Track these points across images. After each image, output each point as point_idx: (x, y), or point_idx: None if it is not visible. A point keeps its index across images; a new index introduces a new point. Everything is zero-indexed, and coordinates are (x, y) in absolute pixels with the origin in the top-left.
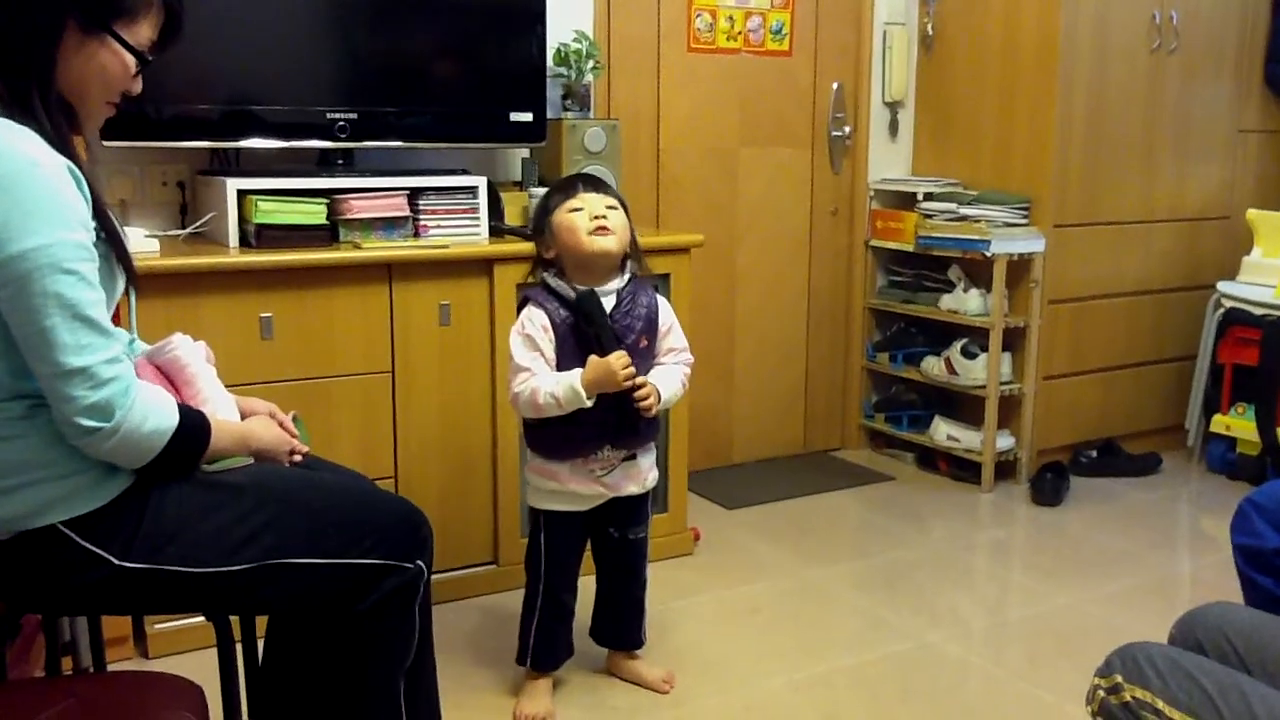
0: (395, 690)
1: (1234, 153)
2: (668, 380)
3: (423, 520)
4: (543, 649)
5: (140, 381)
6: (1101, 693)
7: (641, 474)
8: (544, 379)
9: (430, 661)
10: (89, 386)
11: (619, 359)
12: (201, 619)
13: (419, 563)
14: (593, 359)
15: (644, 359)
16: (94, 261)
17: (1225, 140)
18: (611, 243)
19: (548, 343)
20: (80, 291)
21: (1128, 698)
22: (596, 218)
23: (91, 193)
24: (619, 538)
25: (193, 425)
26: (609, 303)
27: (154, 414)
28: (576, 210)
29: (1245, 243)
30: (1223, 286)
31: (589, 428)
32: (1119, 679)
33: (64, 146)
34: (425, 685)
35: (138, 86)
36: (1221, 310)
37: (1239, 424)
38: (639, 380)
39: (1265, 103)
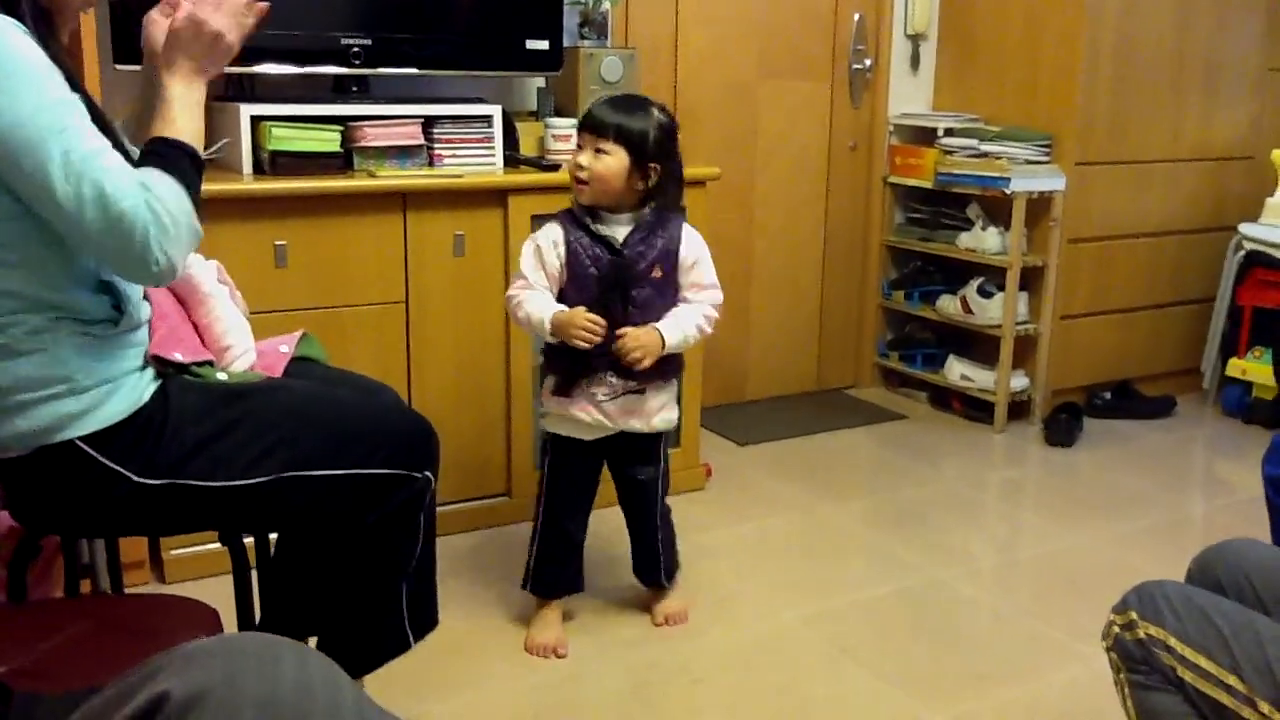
0: (397, 592)
1: (1263, 91)
2: (681, 323)
3: (431, 432)
4: (542, 574)
5: (138, 184)
6: (1116, 628)
7: (648, 412)
8: (533, 297)
9: (431, 566)
10: (118, 229)
11: (583, 316)
12: (216, 545)
13: (426, 473)
14: (570, 308)
15: (659, 290)
16: (86, 115)
17: (1254, 79)
18: (585, 195)
19: (555, 258)
20: (84, 142)
21: (1142, 634)
22: (578, 166)
23: (96, 110)
24: (628, 477)
25: (186, 166)
26: (623, 231)
27: (167, 211)
28: (576, 150)
29: (1270, 184)
30: (1244, 228)
31: (595, 350)
32: (1134, 615)
33: (50, 51)
34: (425, 588)
35: None
36: (1243, 252)
37: (1255, 368)
38: (621, 333)
39: None
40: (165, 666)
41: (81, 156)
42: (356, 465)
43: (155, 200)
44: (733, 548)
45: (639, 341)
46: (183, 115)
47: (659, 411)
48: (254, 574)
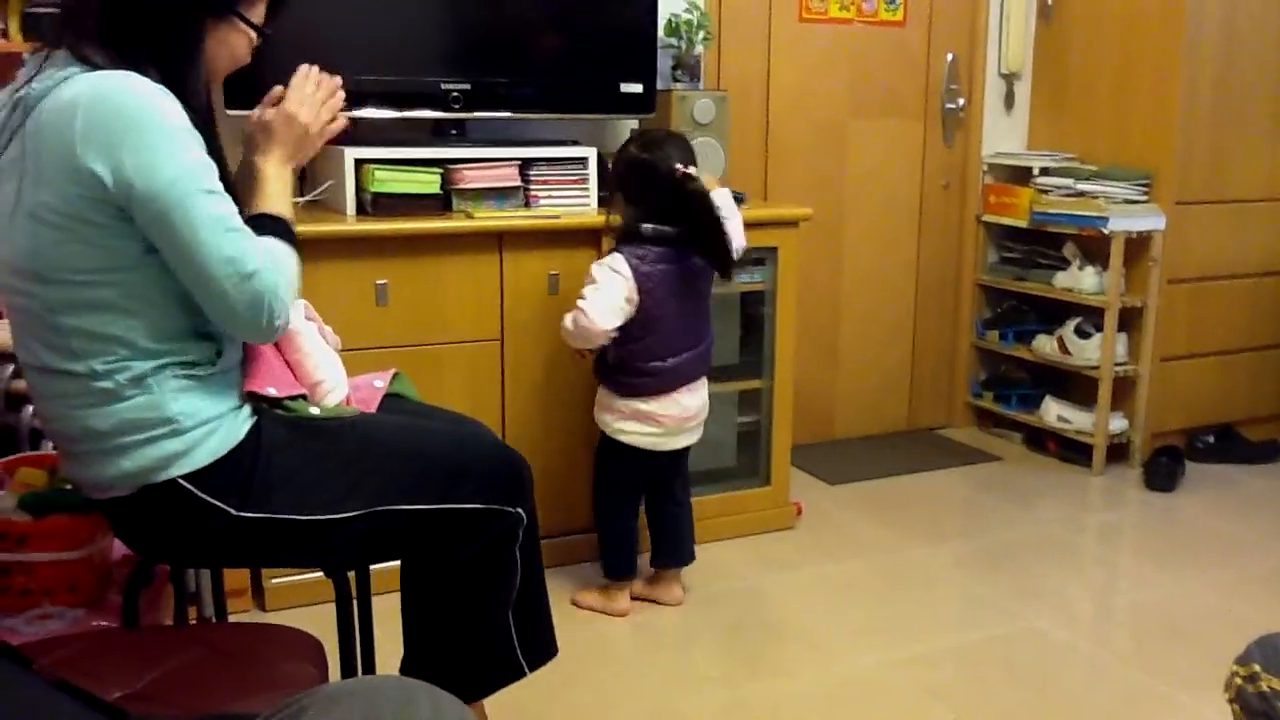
0: (504, 622)
1: None
2: None
3: (524, 465)
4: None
5: (264, 249)
6: (1239, 680)
7: None
8: None
9: (541, 597)
10: (245, 288)
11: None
12: (316, 574)
13: (519, 509)
14: None
15: None
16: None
17: None
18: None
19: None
20: (223, 206)
21: (1265, 687)
22: None
23: (226, 173)
24: None
25: (291, 238)
26: None
27: (285, 275)
28: None
29: None
30: None
31: None
32: (1257, 668)
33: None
34: (537, 618)
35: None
36: None
37: None
38: None
39: None
40: (309, 706)
41: (222, 219)
42: (448, 500)
43: (277, 264)
44: (821, 587)
45: None
46: (276, 194)
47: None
48: (354, 604)
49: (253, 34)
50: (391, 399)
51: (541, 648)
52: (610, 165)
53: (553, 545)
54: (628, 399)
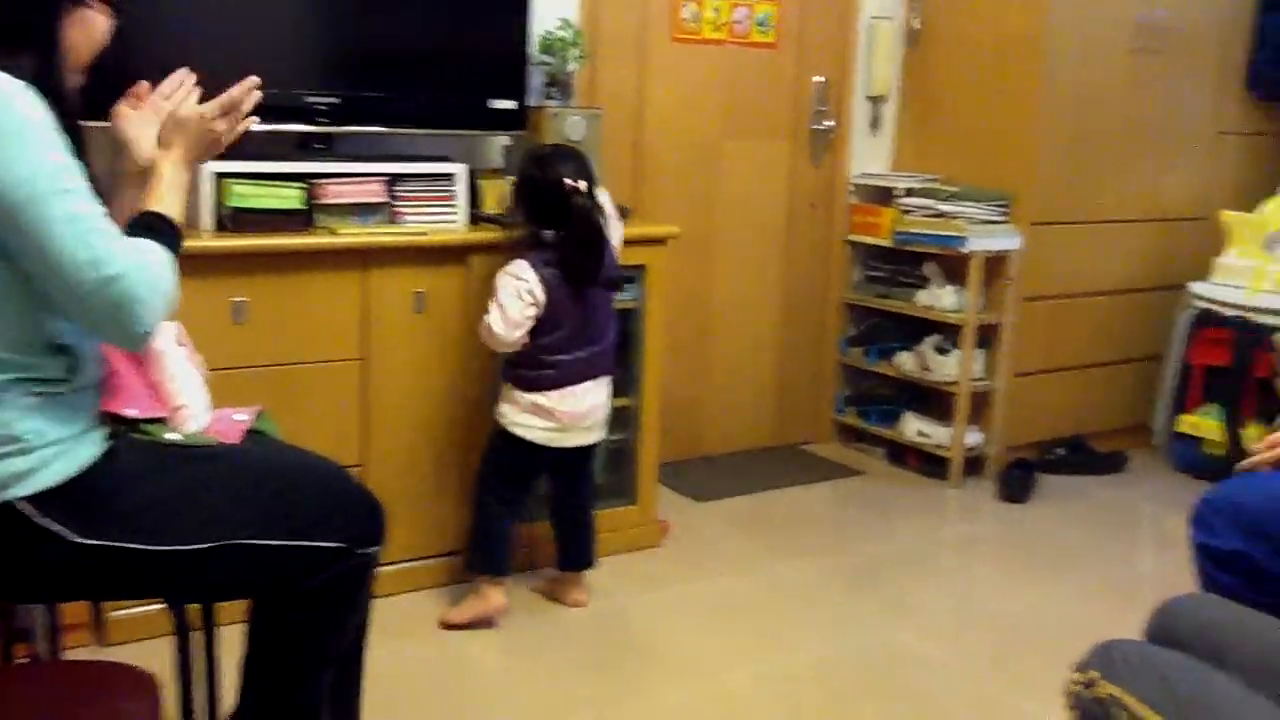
0: (320, 681)
1: (1212, 154)
2: None
3: (380, 507)
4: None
5: (132, 250)
6: (1077, 687)
7: None
8: None
9: (361, 654)
10: (107, 292)
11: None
12: (159, 606)
13: (371, 550)
14: None
15: None
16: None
17: (1205, 142)
18: None
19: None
20: (83, 206)
21: (1102, 694)
22: None
23: (93, 175)
24: None
25: (173, 241)
26: None
27: (155, 280)
28: None
29: (1218, 244)
30: (1194, 287)
31: None
32: (1095, 674)
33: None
34: (351, 680)
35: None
36: (1193, 311)
37: (1205, 424)
38: None
39: (1246, 105)
40: None
41: (81, 219)
42: (302, 537)
43: (146, 268)
44: (689, 605)
45: None
46: (170, 194)
47: None
48: (195, 635)
49: (110, 11)
50: (253, 435)
51: (349, 711)
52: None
53: (416, 569)
54: (528, 392)
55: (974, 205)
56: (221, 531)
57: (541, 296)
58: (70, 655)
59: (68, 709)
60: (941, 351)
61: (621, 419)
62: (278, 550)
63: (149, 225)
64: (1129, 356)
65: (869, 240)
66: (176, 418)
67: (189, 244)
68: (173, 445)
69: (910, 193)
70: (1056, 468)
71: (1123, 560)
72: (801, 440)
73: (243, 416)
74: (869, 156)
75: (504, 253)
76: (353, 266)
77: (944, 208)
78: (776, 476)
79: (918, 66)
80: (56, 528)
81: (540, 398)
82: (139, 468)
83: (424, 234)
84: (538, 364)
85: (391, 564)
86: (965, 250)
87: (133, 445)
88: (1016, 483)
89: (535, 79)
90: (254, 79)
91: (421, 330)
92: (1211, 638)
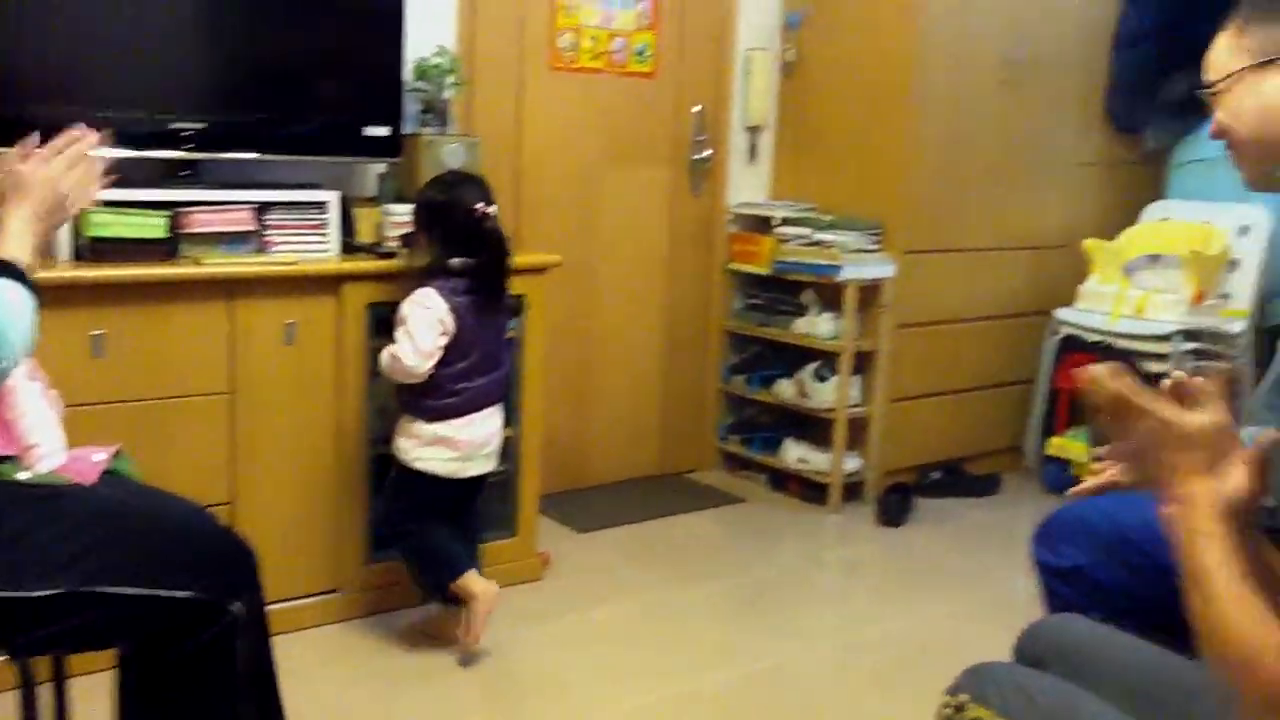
0: None
1: (1077, 184)
2: None
3: (248, 551)
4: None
5: None
6: (948, 711)
7: None
8: None
9: (276, 703)
10: None
11: None
12: (1, 657)
13: (240, 604)
14: None
15: None
16: None
17: (1068, 172)
18: None
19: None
20: None
21: (971, 717)
22: None
23: None
24: None
25: (34, 289)
26: None
27: (12, 318)
28: None
29: (1083, 271)
30: (1060, 313)
31: None
32: (965, 698)
33: None
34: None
35: None
36: (1059, 336)
37: (1073, 446)
38: None
39: (1105, 137)
40: None
41: None
42: (160, 586)
43: (6, 305)
44: (569, 637)
45: None
46: (15, 241)
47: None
48: (41, 690)
49: None
50: (110, 476)
51: None
52: (417, 204)
53: (294, 608)
54: (431, 423)
55: (848, 234)
56: (71, 578)
57: (452, 325)
58: None
59: None
60: (820, 379)
61: (502, 450)
62: (131, 600)
63: (3, 267)
64: (1002, 381)
65: (749, 269)
66: (29, 457)
67: (44, 275)
68: (23, 485)
69: (787, 221)
70: (933, 491)
71: (997, 581)
72: (686, 469)
73: (101, 456)
74: (747, 185)
75: (403, 281)
76: (219, 297)
77: (820, 236)
78: (660, 505)
79: (793, 97)
80: None
81: (442, 427)
82: None
83: (294, 263)
84: (445, 392)
85: (268, 604)
86: (840, 278)
87: None
88: (894, 506)
89: (411, 106)
90: (80, 128)
91: (292, 362)
92: (1073, 659)
